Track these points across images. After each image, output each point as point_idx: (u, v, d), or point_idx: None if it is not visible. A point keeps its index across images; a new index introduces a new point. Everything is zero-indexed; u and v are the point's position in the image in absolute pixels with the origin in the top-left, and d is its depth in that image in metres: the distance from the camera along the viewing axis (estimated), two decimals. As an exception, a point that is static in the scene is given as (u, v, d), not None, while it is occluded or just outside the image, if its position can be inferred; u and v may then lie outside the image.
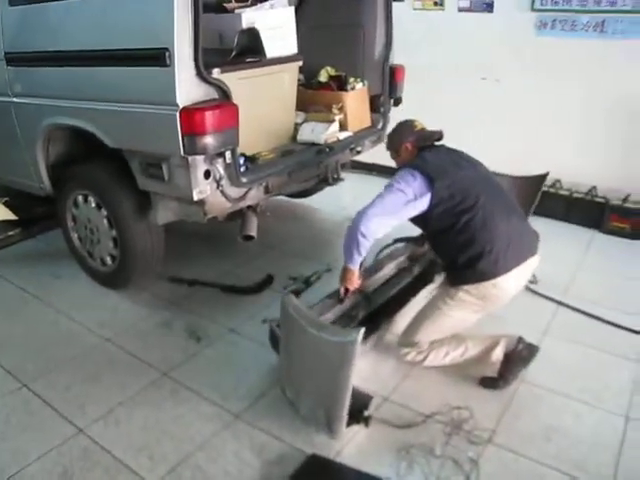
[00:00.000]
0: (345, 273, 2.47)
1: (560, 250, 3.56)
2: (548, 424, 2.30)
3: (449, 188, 2.32)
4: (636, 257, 3.74)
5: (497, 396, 2.45)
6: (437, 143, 2.60)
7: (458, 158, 2.53)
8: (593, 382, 2.53)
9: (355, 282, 2.49)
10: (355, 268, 2.43)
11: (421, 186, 2.31)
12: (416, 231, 2.82)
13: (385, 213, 2.31)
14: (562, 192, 4.25)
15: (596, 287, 3.30)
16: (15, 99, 3.23)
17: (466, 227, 2.33)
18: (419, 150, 2.56)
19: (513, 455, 2.15)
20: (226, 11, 3.15)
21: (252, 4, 3.24)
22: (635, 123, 3.93)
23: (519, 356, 2.49)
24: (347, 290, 2.53)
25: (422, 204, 2.32)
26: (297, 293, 2.77)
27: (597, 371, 2.61)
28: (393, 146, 2.68)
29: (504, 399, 2.44)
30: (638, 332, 2.88)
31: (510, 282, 2.38)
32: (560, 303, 3.12)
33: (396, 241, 3.36)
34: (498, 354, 2.48)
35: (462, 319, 2.48)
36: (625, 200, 4.05)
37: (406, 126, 2.66)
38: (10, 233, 4.05)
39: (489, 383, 2.52)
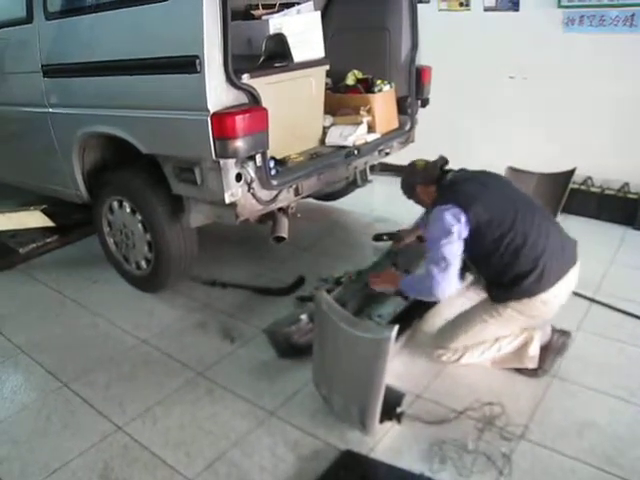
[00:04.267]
0: (390, 279, 2.67)
1: (592, 247, 3.48)
2: (581, 420, 2.28)
3: (485, 212, 2.33)
4: (670, 253, 3.68)
5: (529, 392, 2.45)
6: (455, 168, 2.60)
7: (483, 178, 2.53)
8: (627, 378, 2.50)
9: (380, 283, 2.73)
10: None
11: (458, 219, 2.31)
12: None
13: (455, 270, 2.35)
14: (594, 189, 4.21)
15: (629, 283, 3.26)
16: (51, 109, 3.34)
17: (508, 248, 2.33)
18: (438, 183, 2.54)
19: (546, 450, 2.15)
20: (254, 18, 3.22)
21: (279, 10, 3.30)
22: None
23: (555, 346, 2.55)
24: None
25: (465, 234, 2.34)
26: (328, 293, 2.80)
27: (631, 367, 2.58)
28: (411, 195, 2.69)
29: (536, 395, 2.43)
30: (673, 328, 2.85)
31: (556, 295, 2.41)
32: (592, 300, 3.08)
33: (376, 238, 3.57)
34: (535, 348, 2.50)
35: (506, 331, 2.51)
36: (658, 196, 4.00)
37: (409, 172, 2.68)
38: (48, 240, 4.16)
39: (528, 373, 2.55)
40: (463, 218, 2.30)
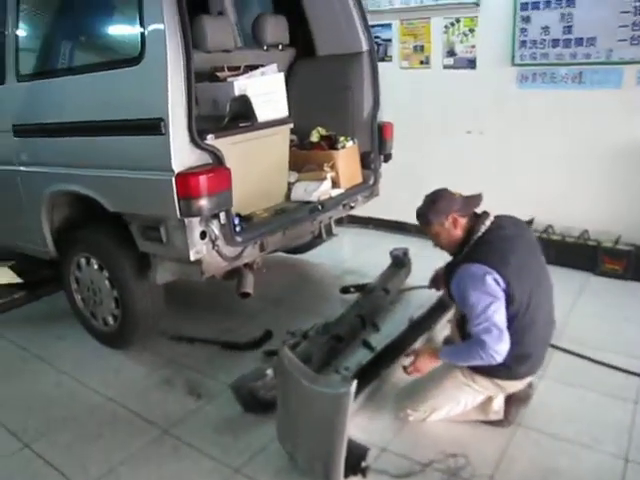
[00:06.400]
0: (429, 361, 2.51)
1: (554, 294, 3.59)
2: (546, 467, 2.31)
3: (516, 288, 2.26)
4: (629, 298, 3.78)
5: (494, 442, 2.47)
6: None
7: (517, 241, 2.42)
8: (590, 424, 2.54)
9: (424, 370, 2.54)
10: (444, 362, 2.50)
11: (498, 282, 2.24)
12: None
13: (507, 333, 2.26)
14: (554, 237, 4.31)
15: (590, 329, 3.32)
16: (21, 168, 3.38)
17: (515, 330, 2.30)
18: (473, 224, 2.42)
19: (511, 500, 2.17)
20: (219, 80, 3.31)
21: (244, 72, 3.40)
22: (619, 167, 4.04)
23: (519, 397, 2.56)
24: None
25: (503, 293, 2.26)
26: (295, 347, 2.82)
27: (594, 413, 2.62)
28: (437, 220, 2.43)
29: (501, 445, 2.45)
30: (634, 373, 2.90)
31: None
32: (555, 347, 3.11)
33: (344, 290, 3.77)
34: (499, 402, 2.52)
35: (477, 397, 2.52)
36: (616, 242, 4.12)
37: (444, 196, 2.46)
38: (15, 296, 4.12)
39: (493, 422, 2.55)
40: (502, 284, 2.24)
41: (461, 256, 2.41)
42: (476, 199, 2.47)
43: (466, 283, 2.28)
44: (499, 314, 2.24)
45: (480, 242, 2.38)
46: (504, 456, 2.39)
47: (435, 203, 2.46)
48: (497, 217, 2.46)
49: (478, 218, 2.44)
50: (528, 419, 2.59)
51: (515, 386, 2.49)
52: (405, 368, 2.60)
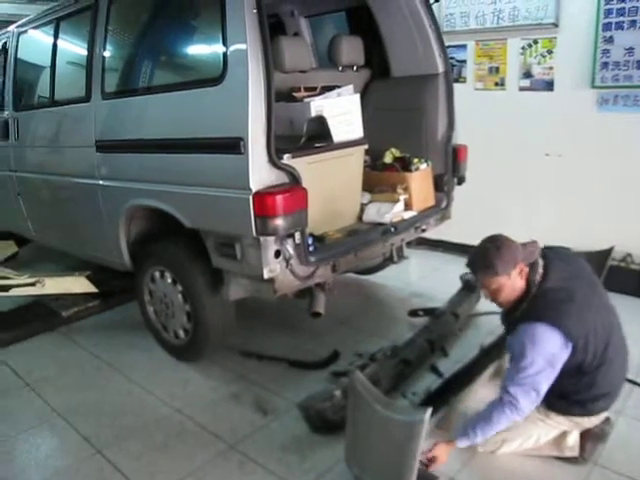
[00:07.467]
0: (446, 449, 2.35)
1: (633, 327, 3.41)
2: (625, 512, 2.20)
3: (583, 339, 2.20)
4: None
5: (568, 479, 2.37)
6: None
7: (567, 277, 2.32)
8: (674, 468, 2.40)
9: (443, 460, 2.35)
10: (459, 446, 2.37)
11: (564, 346, 2.18)
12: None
13: (542, 394, 2.23)
14: (633, 266, 4.15)
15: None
16: (102, 182, 3.51)
17: (589, 370, 2.28)
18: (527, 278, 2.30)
19: None
20: (296, 100, 3.36)
21: (320, 93, 3.44)
22: None
23: (594, 434, 2.45)
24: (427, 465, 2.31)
25: (566, 355, 2.21)
26: (362, 369, 2.80)
27: (678, 456, 2.48)
28: (505, 271, 2.23)
29: (576, 484, 2.35)
30: None
31: None
32: (634, 382, 2.99)
33: (412, 313, 3.72)
34: (574, 437, 2.43)
35: (551, 432, 2.45)
36: (700, 274, 3.92)
37: (507, 243, 2.26)
38: (90, 304, 4.27)
39: (567, 459, 2.46)
40: (570, 346, 2.18)
41: (520, 312, 2.31)
42: (533, 246, 2.35)
43: (526, 343, 2.19)
44: (546, 382, 2.21)
45: (538, 294, 2.28)
46: (579, 496, 2.29)
47: (501, 250, 2.23)
48: (546, 261, 2.34)
49: (531, 267, 2.31)
50: (605, 457, 2.47)
51: (591, 421, 2.41)
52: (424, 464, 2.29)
